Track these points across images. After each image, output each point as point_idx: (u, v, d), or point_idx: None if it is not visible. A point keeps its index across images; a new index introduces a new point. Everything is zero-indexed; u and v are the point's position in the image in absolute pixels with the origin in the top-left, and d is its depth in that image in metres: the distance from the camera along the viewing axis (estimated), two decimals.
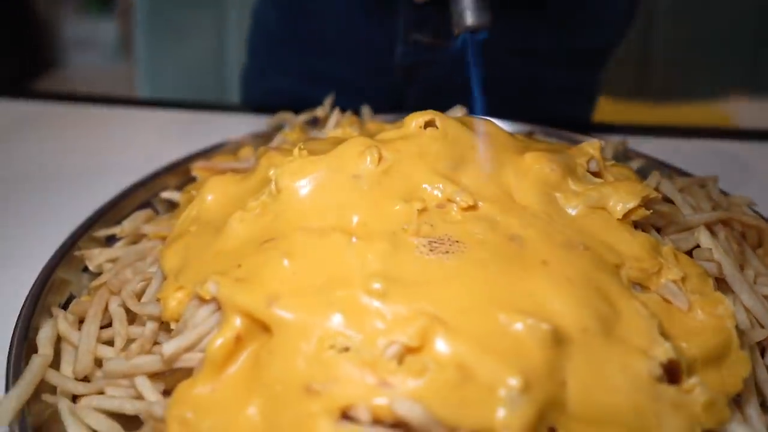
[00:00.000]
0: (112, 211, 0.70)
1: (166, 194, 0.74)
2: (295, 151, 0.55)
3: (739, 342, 0.47)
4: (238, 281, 0.45)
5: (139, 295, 0.55)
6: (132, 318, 0.54)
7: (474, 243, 0.48)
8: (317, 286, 0.44)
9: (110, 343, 0.52)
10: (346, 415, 0.38)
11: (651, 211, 0.54)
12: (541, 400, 0.39)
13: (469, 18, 0.50)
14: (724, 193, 0.71)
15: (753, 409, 0.47)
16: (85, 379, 0.49)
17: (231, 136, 0.84)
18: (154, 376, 0.47)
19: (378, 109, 0.87)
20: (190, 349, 0.45)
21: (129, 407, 0.44)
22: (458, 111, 0.76)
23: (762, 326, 0.52)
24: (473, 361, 0.40)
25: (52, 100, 1.16)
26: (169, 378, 0.47)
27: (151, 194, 0.75)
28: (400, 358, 0.40)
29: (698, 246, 0.56)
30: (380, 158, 0.53)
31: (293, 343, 0.41)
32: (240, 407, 0.40)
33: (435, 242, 0.48)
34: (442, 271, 0.45)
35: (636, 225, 0.55)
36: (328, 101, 0.86)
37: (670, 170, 0.78)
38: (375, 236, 0.48)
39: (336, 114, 0.79)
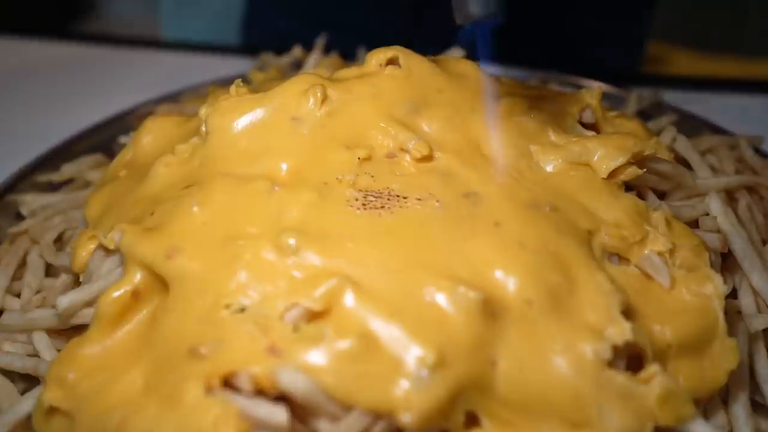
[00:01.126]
0: (64, 156, 0.71)
1: (124, 139, 0.74)
2: (232, 88, 0.53)
3: (726, 328, 0.43)
4: (146, 231, 0.45)
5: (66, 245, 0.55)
6: (57, 270, 0.54)
7: (418, 199, 0.46)
8: (224, 237, 0.43)
9: None
10: (228, 384, 0.37)
11: (644, 170, 0.50)
12: (459, 380, 0.37)
13: (474, 5, 0.42)
14: (765, 156, 0.65)
15: (741, 408, 0.43)
16: None
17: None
18: (59, 333, 0.47)
19: None
20: (90, 303, 0.45)
21: (18, 364, 0.45)
22: (456, 52, 0.73)
23: None
24: (381, 330, 0.38)
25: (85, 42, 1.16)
26: (73, 335, 0.47)
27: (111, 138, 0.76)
28: (300, 323, 0.38)
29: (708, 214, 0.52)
30: (324, 99, 0.51)
31: (188, 300, 0.41)
32: (125, 369, 0.40)
33: (372, 196, 0.46)
34: (370, 229, 0.43)
35: (630, 187, 0.52)
36: (320, 42, 0.84)
37: (705, 127, 0.72)
38: (302, 186, 0.46)
39: (316, 55, 0.77)
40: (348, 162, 0.48)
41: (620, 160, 0.49)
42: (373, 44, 0.86)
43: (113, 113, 0.78)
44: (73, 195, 0.63)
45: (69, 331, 0.47)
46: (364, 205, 0.45)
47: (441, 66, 0.56)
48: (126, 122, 0.76)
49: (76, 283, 0.50)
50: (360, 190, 0.46)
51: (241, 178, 0.47)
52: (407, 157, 0.49)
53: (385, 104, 0.52)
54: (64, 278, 0.51)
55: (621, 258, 0.47)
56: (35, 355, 0.46)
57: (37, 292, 0.51)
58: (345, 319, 0.39)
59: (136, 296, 0.43)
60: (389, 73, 0.53)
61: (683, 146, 0.59)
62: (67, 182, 0.68)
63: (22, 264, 0.54)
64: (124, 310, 0.43)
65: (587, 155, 0.50)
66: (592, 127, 0.56)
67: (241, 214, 0.44)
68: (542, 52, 0.95)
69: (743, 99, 0.95)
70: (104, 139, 0.75)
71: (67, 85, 1.01)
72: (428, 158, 0.49)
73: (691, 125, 0.72)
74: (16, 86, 1.00)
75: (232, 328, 0.38)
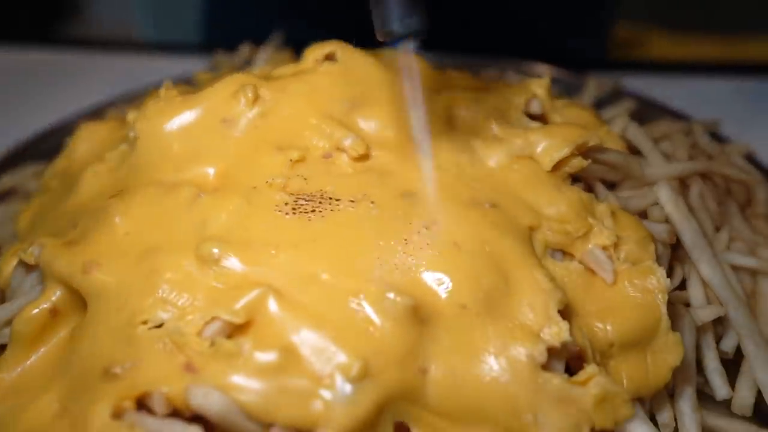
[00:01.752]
0: (12, 163, 0.68)
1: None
2: (161, 91, 0.51)
3: (669, 323, 0.41)
4: (65, 245, 0.43)
5: None
6: None
7: (351, 201, 0.44)
8: (145, 250, 0.41)
9: None
10: (143, 405, 0.35)
11: (590, 161, 0.48)
12: (387, 391, 0.35)
13: (396, 24, 0.39)
14: (722, 140, 0.64)
15: (686, 404, 0.42)
16: None
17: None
18: None
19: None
20: (10, 322, 0.43)
21: None
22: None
23: (721, 303, 0.46)
24: (305, 341, 0.36)
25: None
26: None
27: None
28: (217, 338, 0.36)
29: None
30: (256, 99, 0.49)
31: (105, 317, 0.39)
32: (41, 392, 0.38)
33: (303, 199, 0.44)
34: (297, 235, 0.41)
35: (578, 179, 0.50)
36: (273, 38, 0.82)
37: (664, 113, 0.71)
38: (229, 192, 0.44)
39: (265, 52, 0.74)
40: (280, 164, 0.46)
41: (564, 152, 0.48)
42: (333, 35, 0.85)
43: (62, 119, 0.75)
44: (10, 207, 0.60)
45: None
46: (294, 209, 0.43)
47: (382, 60, 0.54)
48: (69, 129, 0.74)
49: (3, 300, 0.48)
50: (291, 194, 0.44)
51: (167, 185, 0.45)
52: (344, 157, 0.47)
53: (320, 102, 0.50)
54: None
55: (565, 253, 0.45)
56: None
57: None
58: (267, 331, 0.37)
59: (54, 314, 0.41)
60: (325, 70, 0.51)
61: (635, 134, 0.57)
62: (11, 193, 0.66)
63: None
64: (42, 330, 0.41)
65: (531, 148, 0.49)
66: (540, 117, 0.55)
67: (163, 225, 0.42)
68: (504, 39, 0.94)
69: (709, 83, 0.93)
70: (53, 146, 0.73)
71: (21, 90, 0.99)
72: (365, 157, 0.47)
73: (650, 111, 0.71)
74: None
75: (148, 346, 0.36)
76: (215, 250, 0.40)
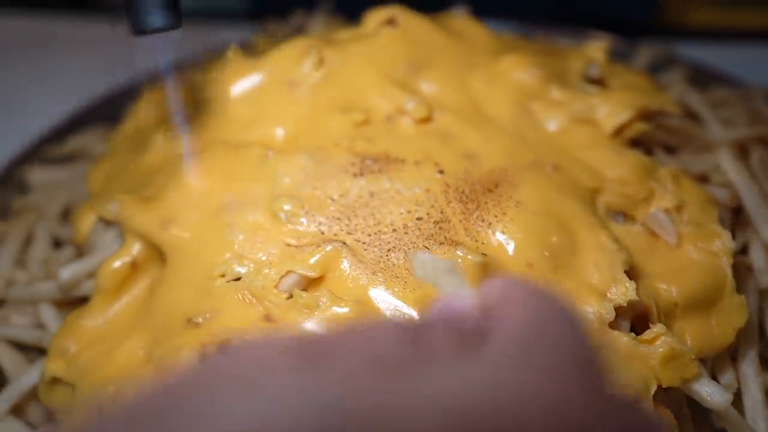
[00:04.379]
0: (72, 129, 0.70)
1: None
2: (229, 53, 0.51)
3: (734, 285, 0.41)
4: (143, 201, 0.44)
5: None
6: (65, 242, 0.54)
7: (416, 162, 0.44)
8: (219, 206, 0.42)
9: None
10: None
11: (650, 126, 0.48)
12: None
13: (150, 18, 0.38)
14: None
15: (749, 366, 0.42)
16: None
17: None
18: (65, 304, 0.47)
19: None
20: (92, 275, 0.45)
21: (24, 336, 0.45)
22: (460, 9, 0.70)
23: None
24: (378, 296, 0.36)
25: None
26: (79, 305, 0.47)
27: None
28: (295, 291, 0.37)
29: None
30: (321, 61, 0.49)
31: (184, 270, 0.40)
32: (124, 340, 0.40)
33: (369, 160, 0.44)
34: (367, 194, 0.42)
35: (638, 143, 0.49)
36: (323, 6, 0.81)
37: (719, 80, 0.69)
38: (298, 151, 0.44)
39: (318, 19, 0.74)
40: (345, 126, 0.46)
41: (625, 116, 0.47)
42: (378, 4, 0.85)
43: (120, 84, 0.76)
44: (78, 168, 0.62)
45: (75, 302, 0.47)
46: (361, 169, 0.43)
47: (441, 24, 0.54)
48: (134, 92, 0.75)
49: (81, 255, 0.49)
50: (357, 155, 0.44)
51: (237, 145, 0.46)
52: (406, 119, 0.47)
53: (382, 65, 0.50)
54: (68, 250, 0.50)
55: (627, 216, 0.45)
56: (41, 326, 0.46)
57: (45, 263, 0.51)
58: (341, 285, 0.38)
59: (134, 267, 0.42)
60: (387, 33, 0.51)
61: (693, 100, 0.56)
62: (77, 155, 0.67)
63: (30, 238, 0.54)
64: (124, 281, 0.42)
65: (591, 112, 0.48)
66: (599, 82, 0.54)
67: (235, 182, 0.43)
68: (551, 3, 0.92)
69: (763, 50, 0.90)
70: (112, 110, 0.74)
71: (74, 59, 1.00)
72: (427, 119, 0.47)
73: (704, 78, 0.69)
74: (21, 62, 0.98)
75: (228, 297, 0.38)
76: (287, 207, 0.41)
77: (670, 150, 0.52)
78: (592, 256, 0.40)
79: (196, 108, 0.50)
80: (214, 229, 0.41)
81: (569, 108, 0.48)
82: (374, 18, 0.53)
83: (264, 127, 0.47)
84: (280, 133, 0.47)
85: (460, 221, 0.41)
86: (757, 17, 1.22)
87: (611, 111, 0.47)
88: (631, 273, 0.40)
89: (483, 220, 0.41)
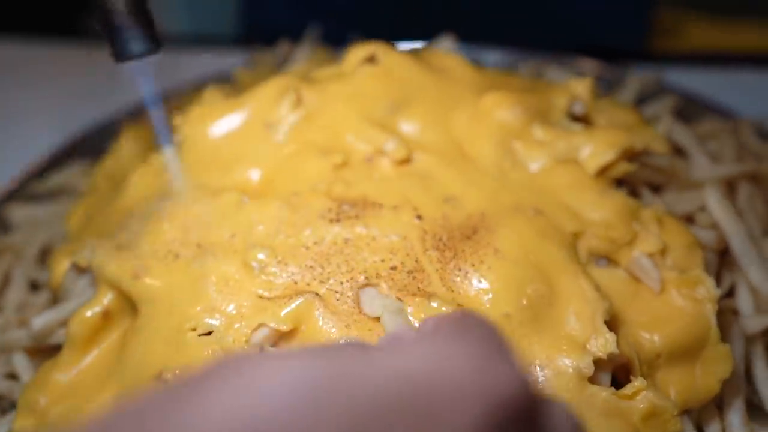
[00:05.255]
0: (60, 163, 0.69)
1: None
2: (206, 93, 0.51)
3: (718, 334, 0.40)
4: (116, 248, 0.43)
5: None
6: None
7: (394, 207, 0.43)
8: (193, 256, 0.41)
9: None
10: None
11: (635, 165, 0.47)
12: None
13: (131, 45, 0.40)
14: None
15: (735, 415, 0.41)
16: None
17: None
18: (39, 352, 0.46)
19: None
20: (65, 323, 0.44)
21: None
22: (446, 40, 0.70)
23: None
24: None
25: None
26: (54, 353, 0.46)
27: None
28: (266, 345, 0.36)
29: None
30: (299, 102, 0.49)
31: (155, 322, 0.39)
32: (95, 394, 0.39)
33: (347, 205, 0.43)
34: (341, 242, 0.41)
35: (622, 182, 0.49)
36: (309, 35, 0.81)
37: (709, 110, 0.68)
38: (273, 197, 0.44)
39: (302, 50, 0.74)
40: (323, 169, 0.46)
41: (609, 157, 0.46)
42: (368, 30, 0.85)
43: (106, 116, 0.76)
44: (60, 205, 0.61)
45: (50, 349, 0.46)
46: (338, 215, 0.43)
47: (423, 60, 0.54)
48: (118, 125, 0.74)
49: (56, 299, 0.49)
50: (334, 199, 0.44)
51: (213, 190, 0.45)
52: (385, 161, 0.47)
53: (362, 105, 0.49)
54: (45, 294, 0.50)
55: (609, 260, 0.44)
56: (12, 375, 0.45)
57: (20, 308, 0.50)
58: (313, 338, 0.37)
59: (106, 317, 0.42)
60: (367, 72, 0.51)
61: (680, 134, 0.55)
62: (60, 191, 0.67)
63: (6, 280, 0.53)
64: (96, 332, 0.42)
65: (574, 152, 0.48)
66: (583, 119, 0.53)
67: (210, 230, 0.43)
68: (539, 30, 0.92)
69: (758, 75, 0.89)
70: (98, 144, 0.73)
71: (61, 87, 0.99)
72: (407, 161, 0.47)
73: (694, 108, 0.68)
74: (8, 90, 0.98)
75: (197, 353, 0.37)
76: (261, 256, 0.40)
77: (656, 188, 0.51)
78: (572, 306, 0.39)
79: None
80: (187, 281, 0.40)
81: (552, 148, 0.48)
82: (354, 55, 0.53)
83: (240, 170, 0.47)
84: (256, 176, 0.46)
85: (437, 270, 0.40)
86: (751, 38, 1.22)
87: (595, 151, 0.47)
88: (613, 322, 0.39)
89: (460, 269, 0.40)
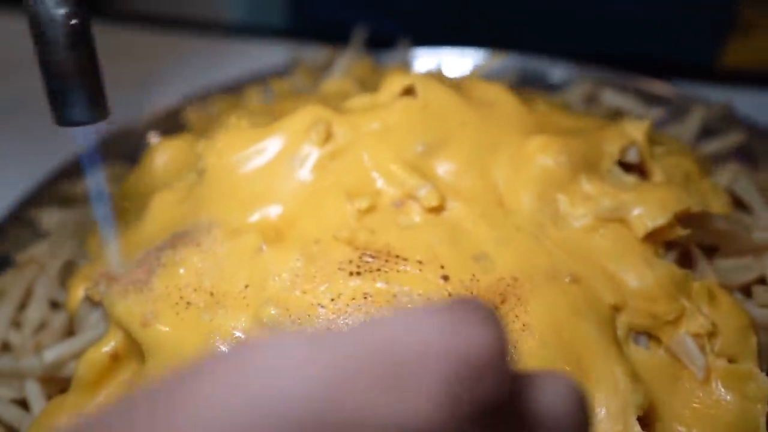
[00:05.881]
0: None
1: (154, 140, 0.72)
2: (231, 119, 0.49)
3: None
4: (129, 287, 0.42)
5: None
6: None
7: (419, 262, 0.41)
8: (205, 305, 0.39)
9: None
10: None
11: (689, 231, 0.43)
12: None
13: (76, 111, 0.37)
14: None
15: None
16: None
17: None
18: (52, 380, 0.46)
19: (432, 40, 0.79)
20: (76, 356, 0.43)
21: (6, 414, 0.44)
22: (494, 58, 0.66)
23: None
24: None
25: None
26: (66, 383, 0.45)
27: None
28: None
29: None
30: (329, 137, 0.46)
31: (162, 371, 0.37)
32: None
33: (369, 256, 0.41)
34: (359, 298, 0.39)
35: (672, 244, 0.45)
36: (356, 37, 0.78)
37: None
38: (292, 244, 0.42)
39: (344, 59, 0.71)
40: (347, 213, 0.44)
41: (661, 221, 0.42)
42: (420, 29, 0.82)
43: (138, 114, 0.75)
44: (90, 212, 0.60)
45: (62, 380, 0.46)
46: (358, 267, 0.41)
47: (465, 92, 0.50)
48: (152, 123, 0.74)
49: (72, 323, 0.48)
50: (356, 248, 0.42)
51: (232, 230, 0.43)
52: (416, 207, 0.44)
53: (395, 143, 0.46)
54: (63, 317, 0.49)
55: (651, 336, 0.41)
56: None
57: (40, 327, 0.50)
58: None
59: (115, 359, 0.41)
60: (403, 106, 0.48)
61: (745, 188, 0.51)
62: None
63: (28, 294, 0.53)
64: (104, 374, 0.41)
65: (622, 210, 0.44)
66: (637, 168, 0.49)
67: (224, 278, 0.41)
68: (604, 42, 0.86)
69: None
70: (134, 142, 0.73)
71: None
72: (439, 209, 0.44)
73: (765, 145, 0.63)
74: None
75: None
76: (273, 312, 0.38)
77: (710, 249, 0.47)
78: (603, 395, 0.36)
79: (199, 177, 0.48)
80: (196, 333, 0.39)
81: (598, 204, 0.44)
82: (391, 85, 0.50)
83: (262, 209, 0.45)
84: (277, 215, 0.44)
85: None
86: None
87: (646, 212, 0.43)
88: (648, 414, 0.36)
89: None
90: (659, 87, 0.73)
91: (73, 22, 0.36)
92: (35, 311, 0.50)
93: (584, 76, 0.74)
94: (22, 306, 0.52)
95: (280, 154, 0.46)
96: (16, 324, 0.51)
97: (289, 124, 0.47)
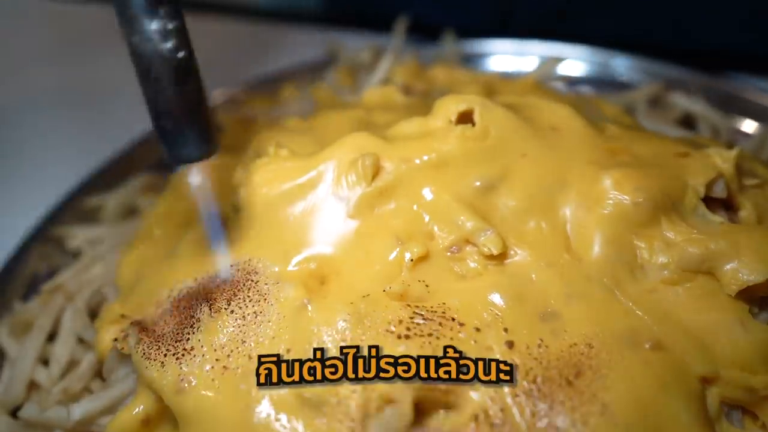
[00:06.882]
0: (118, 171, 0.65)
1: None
2: (271, 149, 0.45)
3: None
4: (162, 346, 0.39)
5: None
6: None
7: (477, 329, 0.36)
8: (242, 371, 0.36)
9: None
10: None
11: None
12: None
13: (189, 147, 0.37)
14: None
15: None
16: None
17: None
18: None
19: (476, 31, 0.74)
20: (105, 412, 0.40)
21: None
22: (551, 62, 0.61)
23: None
24: None
25: None
26: None
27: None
28: None
29: None
30: (377, 171, 0.42)
31: None
32: None
33: (420, 317, 0.37)
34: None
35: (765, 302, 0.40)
36: (399, 29, 0.73)
37: None
38: (338, 300, 0.38)
39: (389, 58, 0.66)
40: (398, 262, 0.39)
41: (758, 278, 0.37)
42: (464, 19, 0.77)
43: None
44: (121, 228, 0.57)
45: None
46: (407, 329, 0.36)
47: (528, 116, 0.45)
48: None
49: (101, 366, 0.45)
50: (407, 306, 0.37)
51: (274, 281, 0.39)
52: (474, 254, 0.40)
53: (451, 179, 0.42)
54: (91, 357, 0.46)
55: (745, 411, 0.36)
56: None
57: (68, 365, 0.47)
58: None
59: (146, 423, 0.38)
60: (460, 136, 0.43)
61: None
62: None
63: (56, 324, 0.50)
64: None
65: (710, 262, 0.39)
66: (725, 203, 0.44)
67: (265, 339, 0.37)
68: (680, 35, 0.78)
69: None
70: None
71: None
72: (502, 257, 0.39)
73: None
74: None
75: None
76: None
77: None
78: None
79: (234, 212, 0.44)
80: (233, 401, 0.35)
81: (682, 253, 0.39)
82: (446, 109, 0.44)
83: (303, 254, 0.41)
84: (321, 263, 0.40)
85: (527, 427, 0.33)
86: None
87: (741, 264, 0.38)
88: None
89: (557, 430, 0.33)
90: (735, 88, 0.66)
91: (180, 55, 0.35)
92: (63, 348, 0.48)
93: (655, 73, 0.68)
94: (50, 337, 0.50)
95: (323, 190, 0.42)
96: (43, 360, 0.48)
97: (332, 156, 0.43)
